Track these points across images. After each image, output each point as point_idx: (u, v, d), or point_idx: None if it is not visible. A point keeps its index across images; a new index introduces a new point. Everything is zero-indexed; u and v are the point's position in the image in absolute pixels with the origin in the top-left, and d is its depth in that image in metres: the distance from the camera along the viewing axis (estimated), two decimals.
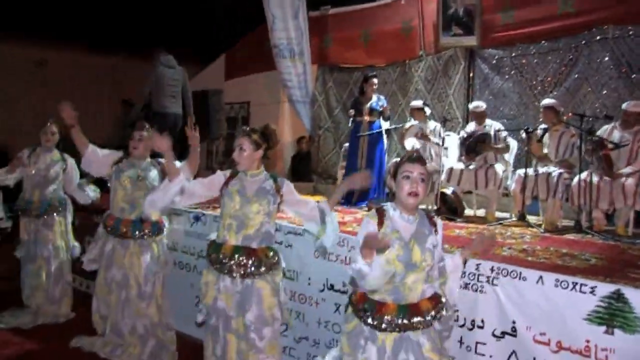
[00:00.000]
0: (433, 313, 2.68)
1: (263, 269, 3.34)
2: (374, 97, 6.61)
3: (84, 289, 5.93)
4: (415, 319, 2.63)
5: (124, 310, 4.32)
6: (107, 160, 4.38)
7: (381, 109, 6.56)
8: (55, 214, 5.20)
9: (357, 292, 2.78)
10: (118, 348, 4.38)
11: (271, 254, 3.41)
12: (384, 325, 2.64)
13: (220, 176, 3.49)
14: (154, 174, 4.38)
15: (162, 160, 4.47)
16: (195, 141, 3.76)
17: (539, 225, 5.07)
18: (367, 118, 6.57)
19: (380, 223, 2.73)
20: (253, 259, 3.32)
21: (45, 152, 5.19)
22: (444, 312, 2.74)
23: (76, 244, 5.42)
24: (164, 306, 4.44)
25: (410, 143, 6.14)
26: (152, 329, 4.33)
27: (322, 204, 3.43)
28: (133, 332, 4.33)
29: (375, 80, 6.67)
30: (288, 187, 3.45)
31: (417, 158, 2.73)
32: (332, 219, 3.42)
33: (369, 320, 2.67)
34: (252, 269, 3.31)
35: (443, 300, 2.76)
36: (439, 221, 2.85)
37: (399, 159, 2.84)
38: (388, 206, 2.79)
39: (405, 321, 2.63)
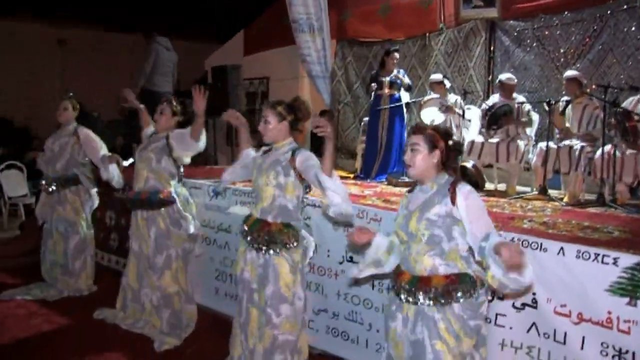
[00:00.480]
0: (442, 291, 2.57)
1: (277, 245, 3.30)
2: (395, 71, 6.56)
3: (105, 262, 6.02)
4: (422, 293, 2.60)
5: (142, 281, 4.43)
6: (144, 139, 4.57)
7: (398, 80, 6.50)
8: (67, 190, 5.20)
9: None
10: (140, 320, 4.48)
11: (286, 230, 3.33)
12: (400, 293, 2.69)
13: (248, 153, 3.64)
14: (157, 145, 4.39)
15: (176, 130, 4.47)
16: (199, 107, 3.93)
17: (561, 199, 5.01)
18: (387, 91, 6.53)
19: (407, 197, 2.86)
20: (266, 232, 3.31)
21: (63, 128, 5.26)
22: (469, 297, 2.58)
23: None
24: (182, 281, 4.47)
25: (428, 114, 6.05)
26: (166, 301, 4.38)
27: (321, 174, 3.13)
28: (150, 303, 4.42)
29: (396, 55, 6.62)
30: (301, 157, 3.28)
31: (411, 130, 2.80)
32: (332, 184, 3.07)
33: (393, 284, 2.78)
34: (265, 243, 3.31)
35: (467, 283, 2.59)
36: (462, 190, 2.61)
37: None
38: None
39: (412, 292, 2.64)
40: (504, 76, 6.04)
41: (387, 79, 6.52)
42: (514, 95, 5.95)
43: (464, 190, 2.63)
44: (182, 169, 4.54)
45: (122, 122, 9.13)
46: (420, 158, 2.68)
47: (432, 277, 2.61)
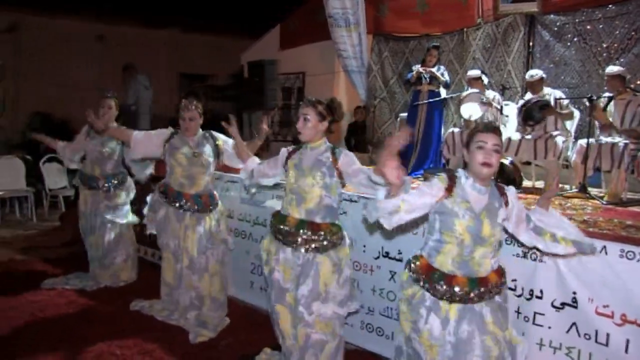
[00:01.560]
0: (497, 285, 2.70)
1: (327, 244, 3.29)
2: (435, 68, 6.51)
3: (142, 254, 6.09)
4: (483, 290, 2.63)
5: (179, 280, 4.45)
6: (158, 141, 4.45)
7: (431, 75, 6.47)
8: (116, 189, 5.31)
9: (421, 260, 2.76)
10: (175, 313, 4.51)
11: (334, 229, 3.34)
12: (454, 297, 2.62)
13: (283, 152, 3.52)
14: (208, 149, 4.42)
15: (214, 133, 4.49)
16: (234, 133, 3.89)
17: (601, 197, 4.89)
18: (426, 87, 6.49)
19: (450, 189, 2.67)
20: (318, 234, 3.28)
21: None
22: (505, 286, 2.77)
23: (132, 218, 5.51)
24: (216, 285, 4.48)
25: (468, 110, 5.96)
26: (199, 302, 4.41)
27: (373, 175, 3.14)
28: (184, 302, 4.45)
29: (435, 52, 6.58)
30: (345, 158, 3.30)
31: (492, 128, 2.67)
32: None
33: (438, 289, 2.64)
34: (317, 244, 3.28)
35: (505, 273, 2.78)
36: (510, 191, 2.76)
37: (457, 129, 2.83)
38: (460, 173, 2.73)
39: (475, 294, 2.62)
40: (527, 74, 5.99)
41: (427, 75, 6.47)
42: (544, 90, 5.80)
43: (511, 191, 2.77)
44: None
45: (162, 114, 9.33)
46: (498, 159, 2.65)
47: (489, 276, 2.67)
